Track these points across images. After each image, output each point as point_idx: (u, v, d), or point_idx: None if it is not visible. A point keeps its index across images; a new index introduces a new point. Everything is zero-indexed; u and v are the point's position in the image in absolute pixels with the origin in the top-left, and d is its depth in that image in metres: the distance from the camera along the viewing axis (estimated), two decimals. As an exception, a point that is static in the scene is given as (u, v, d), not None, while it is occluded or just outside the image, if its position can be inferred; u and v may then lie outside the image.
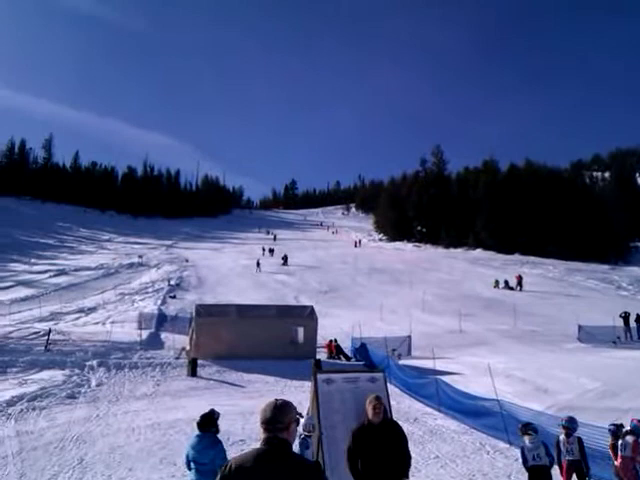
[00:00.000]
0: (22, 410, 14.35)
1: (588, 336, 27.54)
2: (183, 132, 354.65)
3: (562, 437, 8.11)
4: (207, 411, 6.72)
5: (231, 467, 2.89)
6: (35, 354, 21.77)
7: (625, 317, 29.28)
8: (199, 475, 6.15)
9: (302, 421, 7.59)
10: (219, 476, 2.91)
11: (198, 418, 6.62)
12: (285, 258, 56.32)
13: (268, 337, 23.15)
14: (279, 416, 2.95)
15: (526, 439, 7.89)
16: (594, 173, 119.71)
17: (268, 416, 2.95)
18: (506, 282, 44.97)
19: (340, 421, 7.92)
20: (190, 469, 6.38)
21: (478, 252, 69.05)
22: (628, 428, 7.74)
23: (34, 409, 14.55)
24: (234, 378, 20.28)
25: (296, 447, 6.78)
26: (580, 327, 27.87)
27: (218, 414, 6.68)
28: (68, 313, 32.39)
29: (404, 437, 5.82)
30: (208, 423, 6.51)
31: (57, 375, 18.74)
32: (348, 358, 25.50)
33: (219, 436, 6.64)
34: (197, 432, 6.56)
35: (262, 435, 2.95)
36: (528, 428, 7.97)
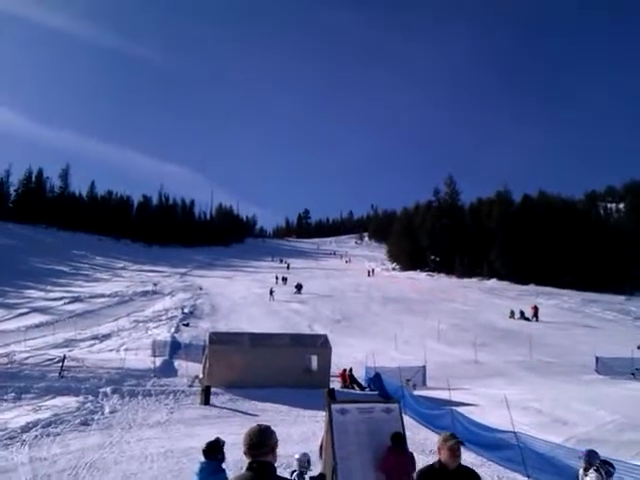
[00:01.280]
0: (36, 436, 14.33)
1: (606, 367, 27.16)
2: (197, 162, 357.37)
3: (581, 471, 7.91)
4: (213, 439, 6.76)
5: None
6: (49, 380, 21.84)
7: (643, 349, 28.92)
8: None
9: (297, 456, 7.78)
10: None
11: (204, 445, 6.65)
12: (299, 286, 56.31)
13: (281, 366, 23.04)
14: (264, 440, 3.07)
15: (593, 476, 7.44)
16: (608, 204, 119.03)
17: (254, 440, 3.05)
18: (522, 312, 44.57)
19: (355, 452, 7.89)
20: None
21: (492, 282, 68.61)
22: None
23: (48, 435, 14.53)
24: (247, 407, 20.15)
25: None
26: (597, 358, 27.51)
27: (223, 442, 6.74)
28: (82, 340, 32.49)
29: None
30: (213, 451, 6.57)
31: (71, 402, 18.74)
32: (362, 388, 25.28)
33: (225, 464, 6.67)
34: (203, 459, 6.59)
35: (247, 460, 3.03)
36: (607, 466, 7.48)
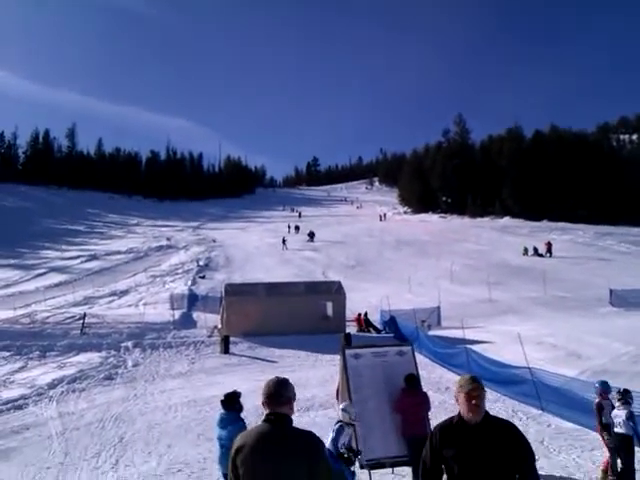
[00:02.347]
0: (63, 392, 14.81)
1: (620, 300, 27.22)
2: (203, 116, 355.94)
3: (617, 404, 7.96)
4: (230, 391, 6.92)
5: (238, 445, 3.05)
6: (72, 338, 22.37)
7: (658, 279, 28.83)
8: (223, 450, 6.39)
9: (342, 406, 7.29)
10: (231, 452, 3.07)
11: (222, 397, 6.83)
12: (311, 234, 56.41)
13: (297, 313, 23.37)
14: (282, 390, 3.11)
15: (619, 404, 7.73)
16: (621, 136, 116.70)
17: (272, 391, 3.09)
18: (535, 249, 44.45)
19: (370, 395, 8.05)
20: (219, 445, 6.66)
21: (505, 220, 68.22)
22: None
23: (74, 391, 15.01)
24: (266, 354, 20.57)
25: (327, 436, 6.89)
26: (612, 291, 27.53)
27: (240, 393, 6.90)
28: (101, 297, 33.07)
29: (527, 447, 3.28)
30: (231, 402, 6.74)
31: (94, 357, 19.25)
32: (378, 331, 25.63)
33: (246, 411, 6.87)
34: (222, 410, 6.79)
35: (265, 411, 3.08)
36: (628, 396, 7.80)
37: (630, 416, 7.50)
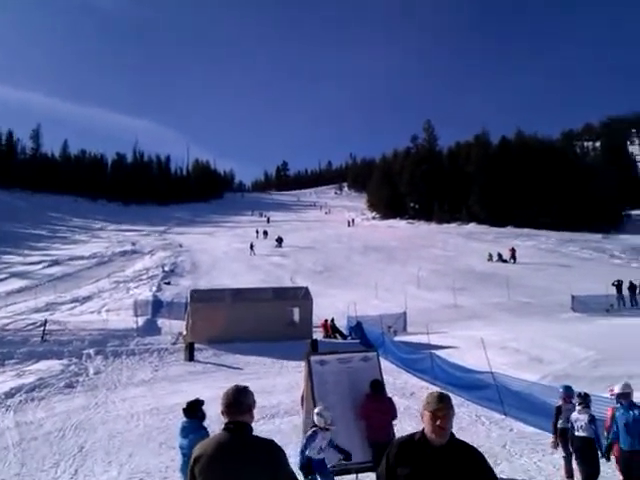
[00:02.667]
0: (21, 401, 14.41)
1: (582, 305, 27.84)
2: (171, 118, 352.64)
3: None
4: (192, 399, 6.85)
5: (196, 454, 3.01)
6: (32, 345, 21.80)
7: (618, 285, 29.61)
8: (185, 459, 6.31)
9: (317, 411, 7.11)
10: (189, 462, 3.03)
11: (184, 405, 6.74)
12: (279, 240, 56.28)
13: (264, 319, 23.20)
14: (241, 399, 3.08)
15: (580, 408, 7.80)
16: (585, 143, 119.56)
17: (231, 400, 3.06)
18: (500, 255, 45.19)
19: (335, 401, 8.03)
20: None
21: (471, 226, 69.25)
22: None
23: (33, 400, 14.61)
24: (231, 361, 20.38)
25: (291, 443, 6.91)
26: (573, 297, 28.15)
27: (203, 401, 6.83)
28: (63, 303, 32.33)
29: (490, 476, 2.99)
30: (193, 409, 6.68)
31: (55, 365, 18.79)
32: (344, 337, 25.65)
33: (209, 419, 6.79)
34: (184, 419, 6.71)
35: (224, 420, 3.05)
36: (587, 400, 7.90)
37: (591, 419, 7.63)
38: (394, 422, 8.15)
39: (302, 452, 6.89)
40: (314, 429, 6.89)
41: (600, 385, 11.54)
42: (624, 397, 7.23)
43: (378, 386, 8.10)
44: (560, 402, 8.36)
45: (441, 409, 2.92)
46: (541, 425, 10.61)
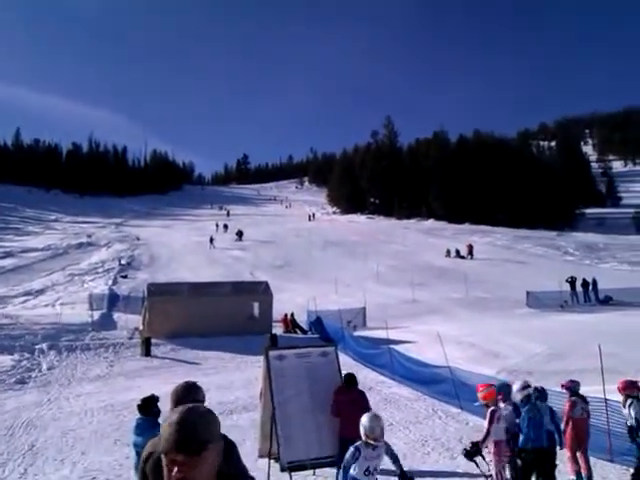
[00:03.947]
0: (-32, 398, 13.94)
1: (536, 301, 28.51)
2: (129, 109, 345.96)
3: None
4: (147, 395, 6.70)
5: (147, 452, 2.92)
6: (-19, 340, 21.08)
7: (572, 282, 30.40)
8: (138, 457, 6.16)
9: (365, 421, 5.39)
10: (140, 460, 2.93)
11: (139, 401, 6.59)
12: (240, 233, 55.85)
13: (223, 314, 22.97)
14: (192, 395, 3.05)
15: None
16: (541, 142, 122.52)
17: (181, 396, 3.01)
18: (457, 251, 45.91)
19: (293, 396, 7.99)
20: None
21: (430, 222, 70.17)
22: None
23: (-19, 396, 14.15)
24: (189, 356, 20.15)
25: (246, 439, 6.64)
26: (528, 293, 28.78)
27: (158, 397, 6.68)
28: (15, 296, 31.34)
29: None
30: (149, 406, 6.53)
31: (5, 360, 18.20)
32: (304, 331, 25.66)
33: (162, 418, 6.64)
34: (138, 415, 6.56)
35: None
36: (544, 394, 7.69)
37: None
38: None
39: (345, 469, 5.48)
40: (357, 444, 5.35)
41: (553, 379, 11.82)
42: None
43: (351, 379, 8.06)
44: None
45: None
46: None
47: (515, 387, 7.47)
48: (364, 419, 5.41)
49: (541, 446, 6.94)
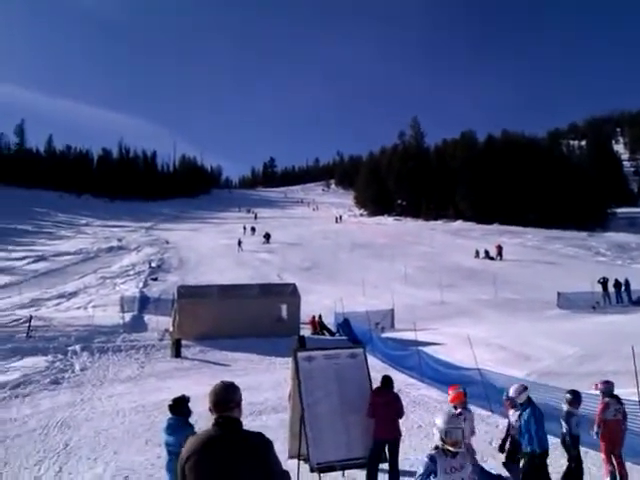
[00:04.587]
0: (5, 398, 14.27)
1: (567, 302, 28.05)
2: (158, 114, 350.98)
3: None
4: (178, 395, 6.79)
5: (187, 450, 3.00)
6: (17, 341, 21.55)
7: (603, 283, 29.84)
8: (170, 457, 6.27)
9: (440, 422, 4.47)
10: (179, 459, 3.02)
11: (170, 402, 6.68)
12: (267, 236, 56.16)
13: (251, 316, 23.13)
14: (230, 395, 3.09)
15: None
16: (570, 142, 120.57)
17: (219, 397, 3.07)
18: (486, 252, 45.39)
19: (322, 397, 8.00)
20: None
21: (458, 223, 69.54)
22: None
23: (17, 396, 14.48)
24: (218, 357, 20.33)
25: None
26: (559, 294, 28.32)
27: (189, 397, 6.77)
28: (49, 299, 32.06)
29: None
30: (179, 406, 6.61)
31: (40, 362, 18.59)
32: (332, 333, 25.67)
33: (197, 416, 6.74)
34: (170, 415, 6.65)
35: (213, 416, 3.05)
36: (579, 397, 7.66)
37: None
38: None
39: None
40: (431, 453, 4.45)
41: (586, 381, 11.61)
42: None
43: (388, 381, 8.08)
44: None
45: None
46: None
47: (512, 391, 7.31)
48: (438, 420, 4.49)
49: (547, 448, 6.92)
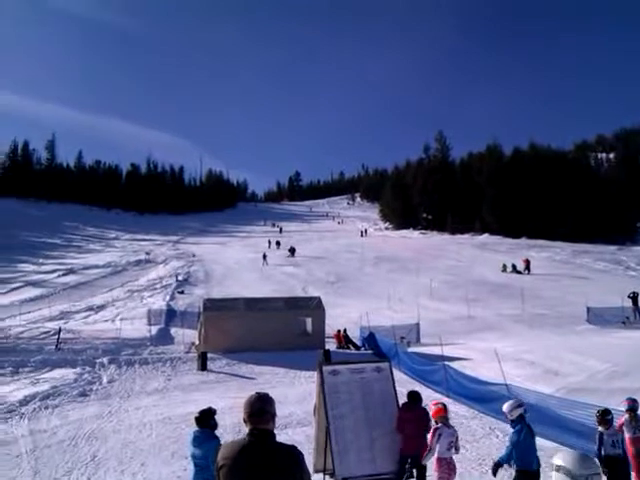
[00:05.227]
0: (35, 409, 14.49)
1: (597, 317, 27.50)
2: (184, 129, 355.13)
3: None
4: (205, 408, 6.83)
5: (221, 460, 3.03)
6: (46, 353, 21.95)
7: (634, 297, 29.21)
8: (197, 469, 6.30)
9: (570, 466, 3.65)
10: (215, 464, 3.06)
11: (196, 414, 6.72)
12: (292, 250, 56.33)
13: (277, 329, 23.22)
14: (265, 407, 3.10)
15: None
16: (599, 154, 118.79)
17: (255, 408, 3.08)
18: (514, 266, 44.84)
19: (347, 411, 8.00)
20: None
21: (485, 237, 68.83)
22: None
23: (47, 408, 14.70)
24: (244, 371, 20.39)
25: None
26: (589, 309, 27.81)
27: (215, 410, 6.80)
28: (77, 312, 32.57)
29: None
30: (206, 419, 6.64)
31: (69, 373, 18.90)
32: (357, 347, 25.56)
33: (223, 428, 6.76)
34: (196, 428, 6.68)
35: (247, 427, 3.07)
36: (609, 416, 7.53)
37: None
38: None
39: None
40: None
41: (617, 398, 11.38)
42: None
43: (415, 397, 8.05)
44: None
45: None
46: (557, 439, 10.48)
47: (506, 406, 7.12)
48: (567, 462, 3.68)
49: (528, 469, 6.69)
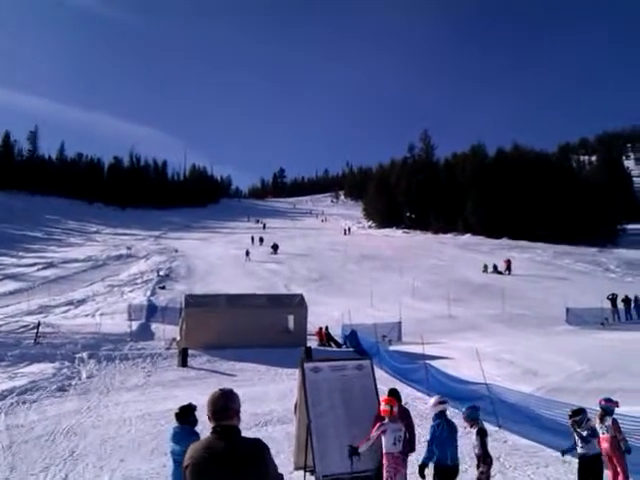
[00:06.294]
0: (12, 404, 14.29)
1: (576, 318, 27.86)
2: (169, 124, 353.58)
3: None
4: (185, 404, 6.78)
5: (188, 459, 3.00)
6: (24, 347, 21.66)
7: (612, 299, 29.65)
8: (176, 465, 6.27)
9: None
10: (182, 466, 3.02)
11: (176, 410, 6.68)
12: (275, 247, 56.23)
13: (258, 326, 23.12)
14: (228, 403, 3.07)
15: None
16: (581, 157, 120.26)
17: (219, 405, 3.05)
18: (495, 267, 45.18)
19: (328, 409, 8.00)
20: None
21: (467, 237, 69.27)
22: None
23: (24, 403, 14.50)
24: (225, 367, 20.32)
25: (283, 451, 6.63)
26: (568, 310, 28.15)
27: (195, 406, 6.76)
28: (57, 306, 32.20)
29: None
30: (186, 415, 6.62)
31: (47, 368, 18.66)
32: (339, 345, 25.61)
33: (201, 426, 6.72)
34: (175, 424, 6.66)
35: (211, 424, 3.04)
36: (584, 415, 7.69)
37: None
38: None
39: None
40: None
41: (594, 398, 11.52)
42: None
43: (395, 394, 8.05)
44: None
45: None
46: (536, 438, 10.59)
47: (431, 402, 7.45)
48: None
49: (443, 463, 7.07)
